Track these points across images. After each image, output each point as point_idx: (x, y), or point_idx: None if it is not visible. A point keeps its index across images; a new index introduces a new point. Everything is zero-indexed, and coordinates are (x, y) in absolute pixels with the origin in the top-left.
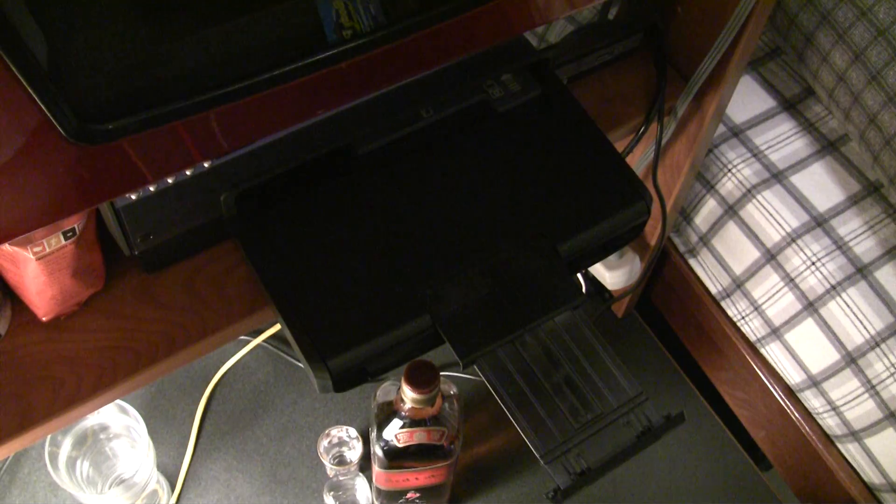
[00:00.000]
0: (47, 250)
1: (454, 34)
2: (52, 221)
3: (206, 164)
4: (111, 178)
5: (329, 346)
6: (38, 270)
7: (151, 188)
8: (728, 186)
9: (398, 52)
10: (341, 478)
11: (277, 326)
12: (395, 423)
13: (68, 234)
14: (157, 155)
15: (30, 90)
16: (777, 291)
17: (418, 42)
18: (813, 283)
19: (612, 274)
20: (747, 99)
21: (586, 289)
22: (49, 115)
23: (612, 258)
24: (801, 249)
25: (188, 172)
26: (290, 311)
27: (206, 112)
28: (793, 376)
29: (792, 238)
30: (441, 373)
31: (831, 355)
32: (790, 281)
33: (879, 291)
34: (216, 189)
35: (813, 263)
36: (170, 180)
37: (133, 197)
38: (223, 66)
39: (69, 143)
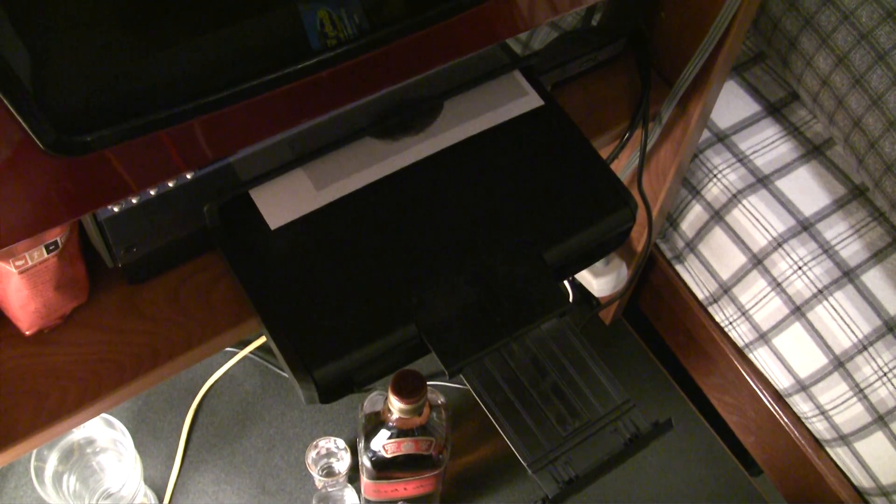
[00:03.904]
0: (30, 263)
1: (438, 41)
2: (33, 234)
3: (188, 175)
4: (92, 189)
5: (314, 356)
6: (20, 284)
7: (134, 200)
8: (714, 192)
9: (382, 60)
10: (330, 489)
11: (264, 338)
12: (383, 434)
13: (51, 247)
14: (139, 166)
15: (5, 101)
16: (764, 296)
17: (402, 49)
18: (800, 287)
19: (598, 281)
20: (732, 104)
21: (573, 296)
22: (26, 126)
23: (598, 265)
24: (788, 254)
25: (171, 183)
26: (275, 322)
27: (189, 122)
28: (781, 381)
29: (778, 243)
30: (428, 382)
31: (819, 359)
32: (777, 286)
33: (866, 295)
34: (200, 199)
35: (799, 268)
36: (153, 192)
37: (116, 209)
38: (206, 75)
39: (48, 154)
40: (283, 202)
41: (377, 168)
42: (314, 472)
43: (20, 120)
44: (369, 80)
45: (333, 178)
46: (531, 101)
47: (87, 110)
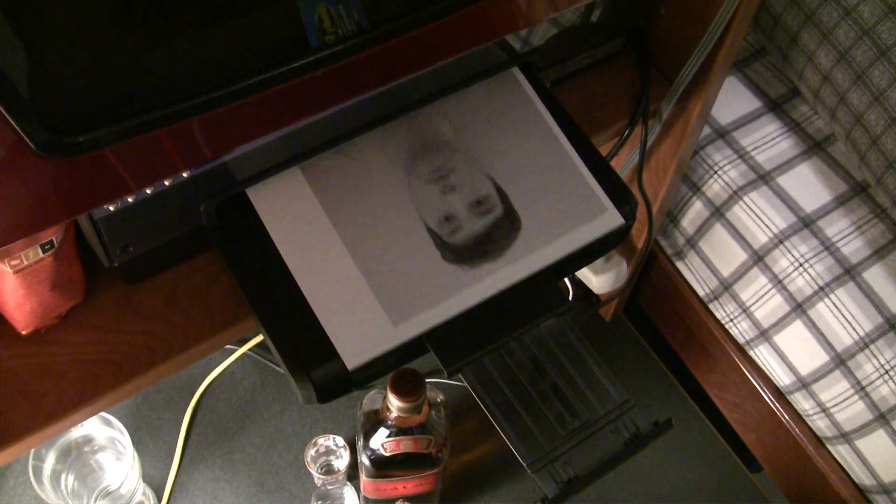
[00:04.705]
0: (25, 263)
1: (437, 38)
2: (27, 235)
3: (184, 175)
4: (87, 190)
5: (312, 356)
6: (16, 284)
7: (130, 199)
8: (714, 188)
9: (381, 57)
10: (329, 487)
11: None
12: (382, 432)
13: (46, 247)
14: (134, 166)
15: None
16: (765, 293)
17: (401, 46)
18: (801, 284)
19: (598, 278)
20: (733, 100)
21: (573, 293)
22: (17, 128)
23: (598, 262)
24: (789, 251)
25: (167, 183)
26: (272, 322)
27: (183, 122)
28: (782, 378)
29: (779, 239)
30: (427, 380)
31: (820, 357)
32: (778, 283)
33: (868, 292)
34: (197, 199)
35: (801, 265)
36: (149, 191)
37: (111, 208)
38: (202, 74)
39: (40, 156)
40: (360, 341)
41: (457, 299)
42: (313, 470)
43: (11, 121)
44: (368, 77)
45: (411, 312)
46: (612, 218)
47: (80, 111)
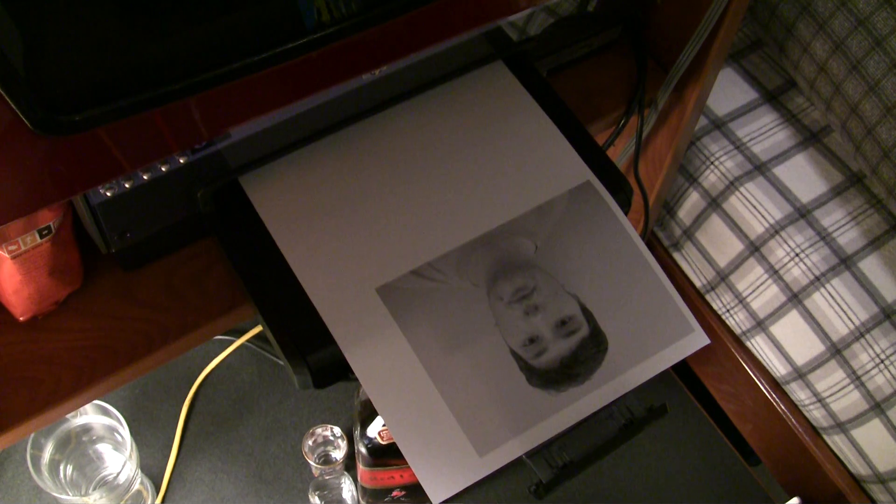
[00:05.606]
0: (23, 249)
1: (433, 20)
2: (24, 215)
3: (181, 160)
4: (83, 170)
5: (308, 341)
6: (13, 269)
7: (127, 185)
8: (711, 179)
9: (376, 40)
10: (327, 477)
11: (260, 327)
12: (379, 421)
13: (44, 233)
14: (130, 146)
15: None
16: (761, 284)
17: (396, 28)
18: (797, 274)
19: None
20: (729, 91)
21: None
22: (14, 105)
23: None
24: (785, 241)
25: (164, 169)
26: (269, 307)
27: (179, 102)
28: (778, 369)
29: (775, 230)
30: None
31: (816, 347)
32: (774, 273)
33: (863, 282)
34: (194, 186)
35: (797, 255)
36: (146, 176)
37: (109, 193)
38: (196, 58)
39: (36, 134)
40: (447, 475)
41: (545, 426)
42: (311, 460)
43: (8, 99)
44: (363, 61)
45: (497, 442)
46: (699, 339)
47: (76, 89)
